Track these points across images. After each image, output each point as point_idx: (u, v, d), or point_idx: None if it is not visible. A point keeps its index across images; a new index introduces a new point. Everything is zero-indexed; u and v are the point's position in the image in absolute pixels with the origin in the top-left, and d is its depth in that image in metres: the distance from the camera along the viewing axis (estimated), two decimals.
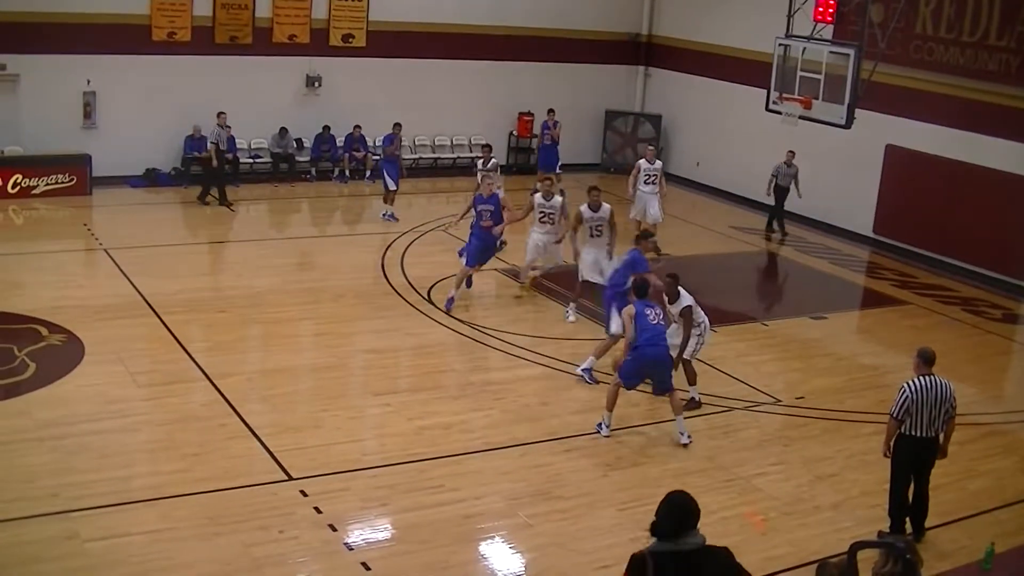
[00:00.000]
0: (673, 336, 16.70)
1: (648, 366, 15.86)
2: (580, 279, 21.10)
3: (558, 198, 22.12)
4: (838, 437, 16.98)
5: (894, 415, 13.21)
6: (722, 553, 8.07)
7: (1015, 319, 24.49)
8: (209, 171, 29.15)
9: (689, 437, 15.93)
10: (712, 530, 13.39)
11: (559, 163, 32.15)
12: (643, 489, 14.57)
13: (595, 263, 20.92)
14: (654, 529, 7.99)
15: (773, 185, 29.10)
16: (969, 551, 13.24)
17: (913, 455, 13.33)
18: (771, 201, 29.57)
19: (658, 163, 26.83)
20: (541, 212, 21.94)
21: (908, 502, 13.55)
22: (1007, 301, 25.21)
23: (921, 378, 13.31)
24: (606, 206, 20.95)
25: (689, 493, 8.15)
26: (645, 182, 26.37)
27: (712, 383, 18.49)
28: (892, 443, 13.39)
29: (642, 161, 26.70)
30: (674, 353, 16.44)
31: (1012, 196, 25.56)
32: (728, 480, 15.01)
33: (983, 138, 25.98)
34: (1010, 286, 25.76)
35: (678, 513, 8.04)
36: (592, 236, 21.01)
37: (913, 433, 13.18)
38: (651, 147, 28.90)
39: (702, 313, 17.20)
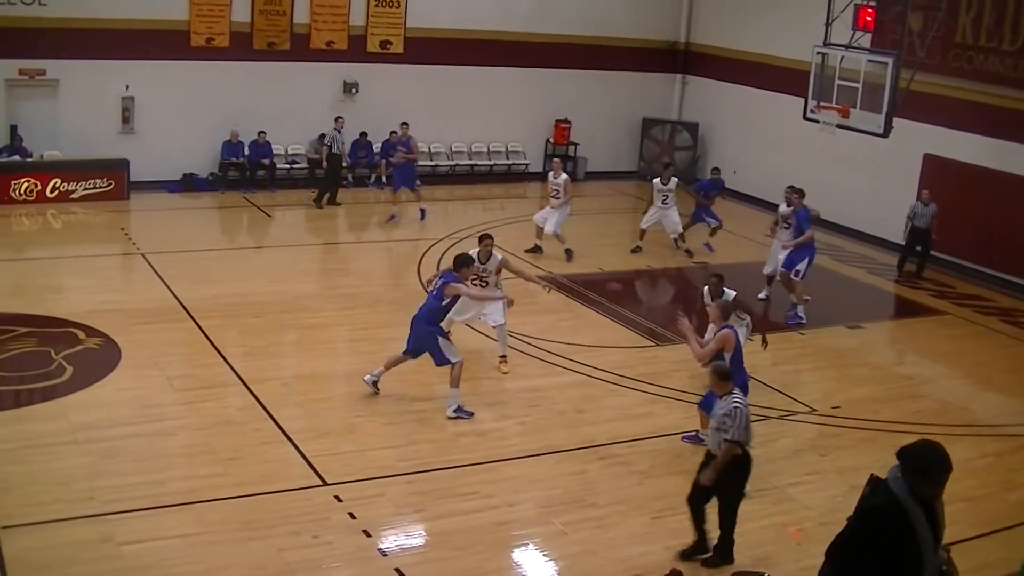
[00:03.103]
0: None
1: None
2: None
3: (497, 257, 18.98)
4: (873, 447, 16.86)
5: (736, 439, 12.39)
6: None
7: None
8: (327, 174, 30.13)
9: None
10: (748, 539, 13.42)
11: (417, 180, 29.32)
12: (677, 498, 14.47)
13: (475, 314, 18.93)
14: None
15: (909, 228, 26.96)
16: (1008, 563, 13.10)
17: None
18: (902, 241, 27.82)
19: (673, 181, 26.78)
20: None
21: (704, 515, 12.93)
22: None
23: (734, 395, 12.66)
24: (496, 256, 18.90)
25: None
26: (663, 202, 26.69)
27: (747, 392, 18.40)
28: (730, 466, 12.52)
29: (656, 180, 26.98)
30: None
31: None
32: (763, 490, 14.92)
33: (1021, 147, 25.81)
34: None
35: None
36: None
37: (748, 450, 12.70)
38: (669, 166, 28.59)
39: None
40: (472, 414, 16.81)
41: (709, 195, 27.69)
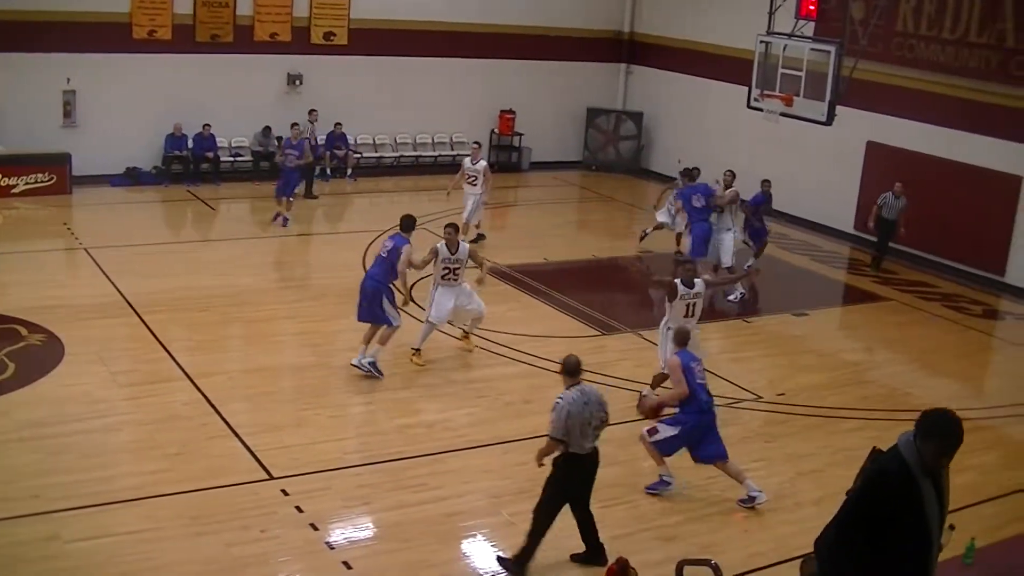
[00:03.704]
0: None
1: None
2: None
3: (464, 246, 18.72)
4: (820, 433, 17.02)
5: (553, 434, 12.11)
6: None
7: (995, 315, 24.56)
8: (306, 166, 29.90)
9: None
10: (694, 527, 13.49)
11: (294, 190, 27.62)
12: (624, 487, 14.58)
13: (454, 310, 18.70)
14: None
15: (876, 216, 26.55)
16: (951, 546, 13.21)
17: (586, 473, 12.43)
18: (871, 235, 27.72)
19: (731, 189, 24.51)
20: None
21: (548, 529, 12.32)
22: (988, 297, 25.31)
23: (572, 389, 12.21)
24: (464, 246, 18.64)
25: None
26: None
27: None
28: (554, 464, 12.36)
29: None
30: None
31: (992, 192, 25.67)
32: (710, 477, 14.98)
33: (964, 135, 26.07)
34: (990, 282, 25.86)
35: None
36: (445, 279, 18.44)
37: (576, 451, 12.14)
38: (723, 175, 24.68)
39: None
40: (382, 376, 17.41)
41: (757, 212, 24.94)
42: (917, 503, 7.69)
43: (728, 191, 23.81)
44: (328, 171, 32.25)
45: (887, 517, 7.73)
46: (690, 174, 24.70)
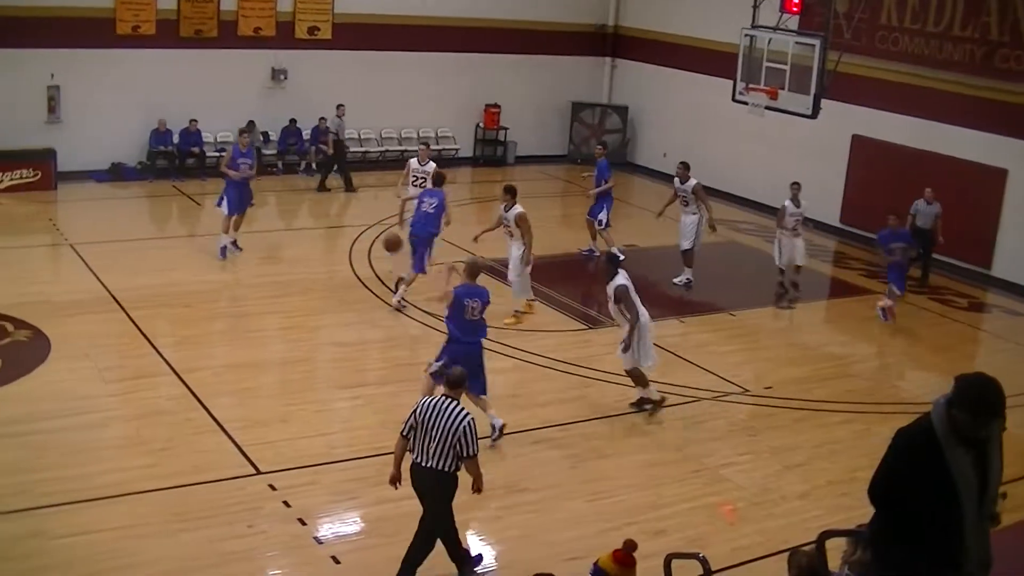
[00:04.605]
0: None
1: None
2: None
3: (517, 209, 20.53)
4: (805, 426, 17.05)
5: (402, 432, 11.57)
6: None
7: (981, 307, 24.63)
8: (330, 159, 30.51)
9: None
10: (680, 520, 13.51)
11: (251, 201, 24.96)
12: (611, 481, 14.61)
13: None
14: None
15: (910, 225, 24.59)
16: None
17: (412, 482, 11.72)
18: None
19: (804, 204, 23.69)
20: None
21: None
22: (973, 290, 25.36)
23: (440, 398, 11.55)
24: (517, 208, 20.47)
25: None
26: (794, 228, 23.69)
27: (680, 373, 18.54)
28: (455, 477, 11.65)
29: (787, 202, 23.67)
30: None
31: (977, 185, 25.72)
32: (696, 471, 15.03)
33: (948, 128, 26.12)
34: (976, 275, 25.92)
35: None
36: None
37: (416, 458, 11.51)
38: (796, 184, 23.96)
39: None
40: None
41: (892, 250, 22.20)
42: (942, 471, 7.24)
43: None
44: (313, 166, 32.21)
45: (909, 484, 7.40)
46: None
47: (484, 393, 15.35)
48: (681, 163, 24.15)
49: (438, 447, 11.21)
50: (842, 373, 19.58)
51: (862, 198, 28.47)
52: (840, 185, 28.96)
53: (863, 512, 13.58)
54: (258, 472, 14.16)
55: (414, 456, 11.45)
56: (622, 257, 16.85)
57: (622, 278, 16.51)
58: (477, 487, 11.70)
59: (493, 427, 15.28)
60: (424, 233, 20.81)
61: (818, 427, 17.04)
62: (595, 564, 9.72)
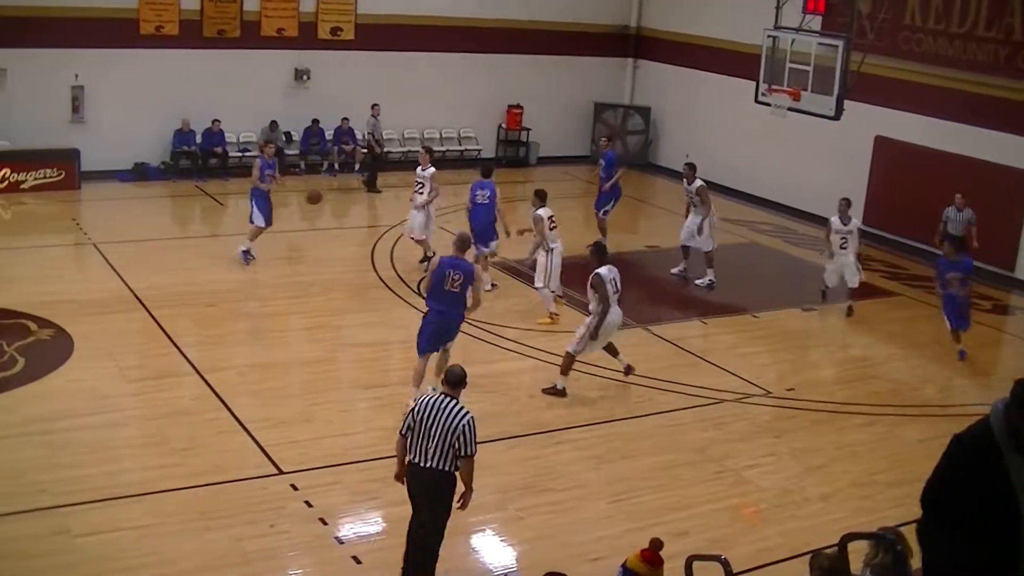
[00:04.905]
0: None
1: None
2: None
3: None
4: (828, 428, 17.01)
5: (400, 431, 11.45)
6: None
7: (1005, 310, 24.53)
8: (375, 158, 30.96)
9: None
10: (702, 522, 13.49)
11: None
12: (633, 481, 14.60)
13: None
14: None
15: (943, 234, 23.85)
16: None
17: (409, 484, 11.55)
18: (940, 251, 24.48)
19: (854, 222, 22.72)
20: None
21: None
22: (996, 292, 25.24)
23: (439, 396, 11.40)
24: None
25: None
26: (841, 246, 22.56)
27: (702, 375, 18.53)
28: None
29: (834, 219, 22.76)
30: None
31: (1001, 187, 25.58)
32: (718, 472, 15.02)
33: (972, 129, 26.01)
34: (999, 277, 25.79)
35: None
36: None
37: (413, 458, 11.36)
38: (844, 200, 22.97)
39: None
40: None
41: (948, 281, 20.35)
42: (1000, 475, 6.86)
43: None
44: (336, 166, 32.31)
45: (965, 489, 7.05)
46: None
47: (433, 351, 16.31)
48: (687, 164, 24.43)
49: (437, 446, 11.08)
50: (864, 375, 19.54)
51: (885, 199, 28.35)
52: (863, 186, 28.84)
53: (885, 515, 13.69)
54: (280, 472, 14.19)
55: (411, 457, 11.31)
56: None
57: (604, 270, 17.06)
58: (464, 500, 11.45)
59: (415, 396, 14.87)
60: (485, 219, 21.77)
61: (840, 429, 17.00)
62: (623, 566, 9.71)
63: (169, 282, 21.60)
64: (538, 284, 20.89)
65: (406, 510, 11.70)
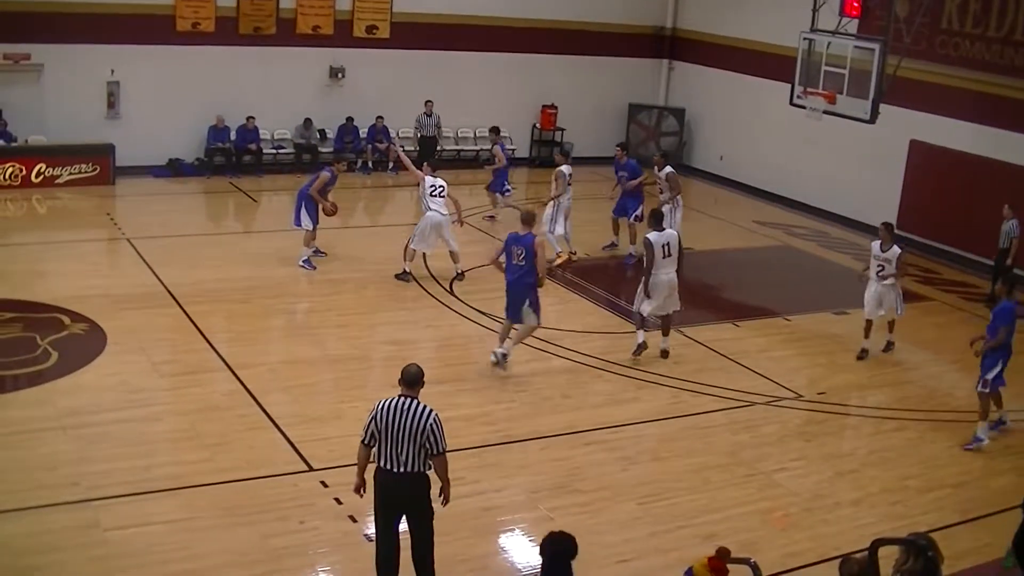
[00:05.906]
0: None
1: None
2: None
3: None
4: (859, 433, 16.97)
5: (363, 440, 11.18)
6: None
7: None
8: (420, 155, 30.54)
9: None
10: (732, 525, 13.46)
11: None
12: (663, 483, 14.57)
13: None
14: None
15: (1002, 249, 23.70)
16: (992, 549, 13.16)
17: (382, 493, 11.26)
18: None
19: (894, 249, 20.08)
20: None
21: (392, 558, 11.40)
22: None
23: (397, 399, 11.17)
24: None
25: None
26: (878, 273, 20.26)
27: (733, 378, 18.48)
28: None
29: (874, 243, 20.51)
30: None
31: None
32: (748, 475, 14.97)
33: (1008, 134, 25.83)
34: None
35: None
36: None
37: (383, 465, 11.05)
38: (884, 224, 20.47)
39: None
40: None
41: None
42: None
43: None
44: (370, 164, 32.36)
45: None
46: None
47: (518, 322, 17.89)
48: (658, 154, 25.76)
49: (408, 450, 10.85)
50: (896, 380, 19.44)
51: (919, 203, 28.21)
52: (897, 190, 28.71)
53: (916, 520, 13.65)
54: (310, 469, 14.22)
55: (382, 464, 11.00)
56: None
57: (654, 235, 18.47)
58: (445, 495, 11.30)
59: (496, 353, 17.86)
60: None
61: (871, 434, 16.94)
62: (688, 570, 9.71)
63: (202, 278, 21.67)
64: (545, 228, 22.61)
65: (435, 508, 11.72)
